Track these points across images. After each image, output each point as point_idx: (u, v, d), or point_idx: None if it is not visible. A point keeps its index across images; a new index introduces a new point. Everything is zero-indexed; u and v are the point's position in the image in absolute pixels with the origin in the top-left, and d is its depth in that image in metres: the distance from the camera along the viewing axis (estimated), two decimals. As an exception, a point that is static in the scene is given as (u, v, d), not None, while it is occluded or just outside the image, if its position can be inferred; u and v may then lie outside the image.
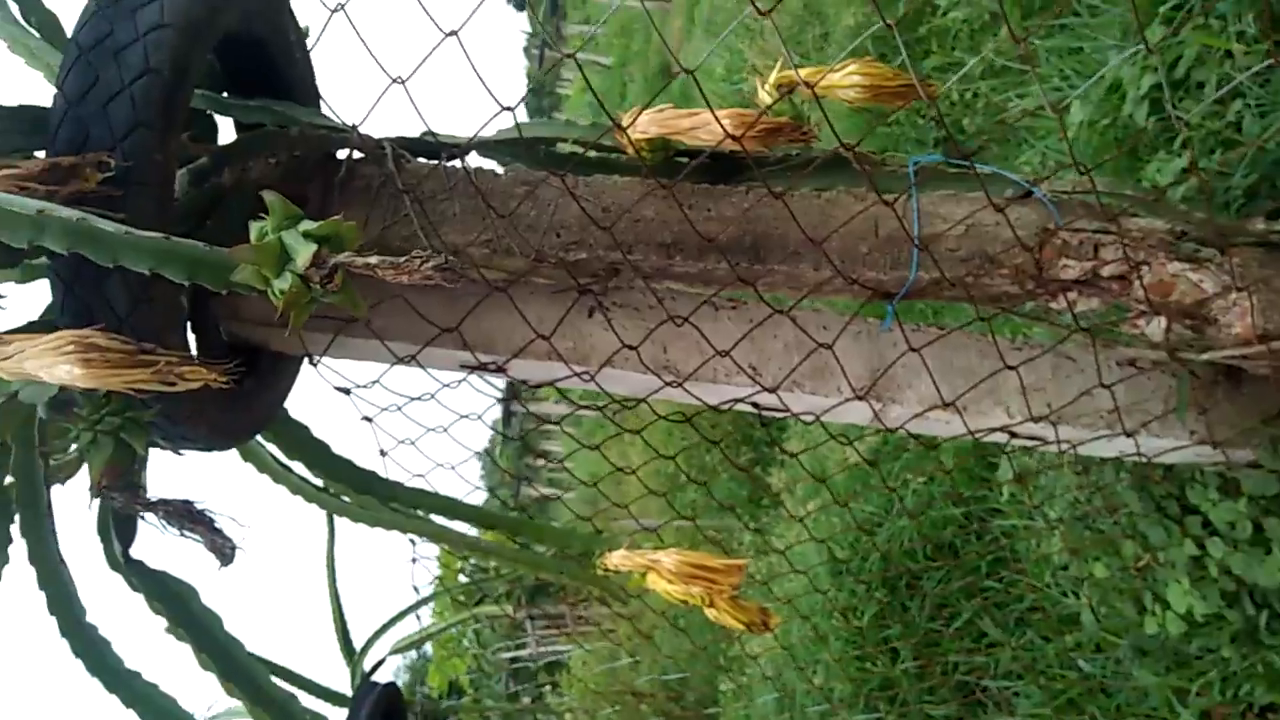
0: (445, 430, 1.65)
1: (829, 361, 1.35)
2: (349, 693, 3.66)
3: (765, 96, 1.25)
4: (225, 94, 1.35)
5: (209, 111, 1.32)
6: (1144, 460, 1.50)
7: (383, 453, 1.87)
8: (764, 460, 5.17)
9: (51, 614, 1.30)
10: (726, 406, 1.42)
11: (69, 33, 1.39)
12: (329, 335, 1.34)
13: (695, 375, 1.35)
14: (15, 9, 1.35)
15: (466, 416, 1.70)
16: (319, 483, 1.73)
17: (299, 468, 1.69)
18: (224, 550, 0.99)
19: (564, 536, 1.92)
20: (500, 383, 1.68)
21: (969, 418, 1.38)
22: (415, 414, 1.71)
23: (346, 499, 1.75)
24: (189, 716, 1.47)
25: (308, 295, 0.72)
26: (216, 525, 1.00)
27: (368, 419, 1.68)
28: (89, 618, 1.34)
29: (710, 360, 1.34)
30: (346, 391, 1.49)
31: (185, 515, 0.98)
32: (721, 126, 1.04)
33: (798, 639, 3.32)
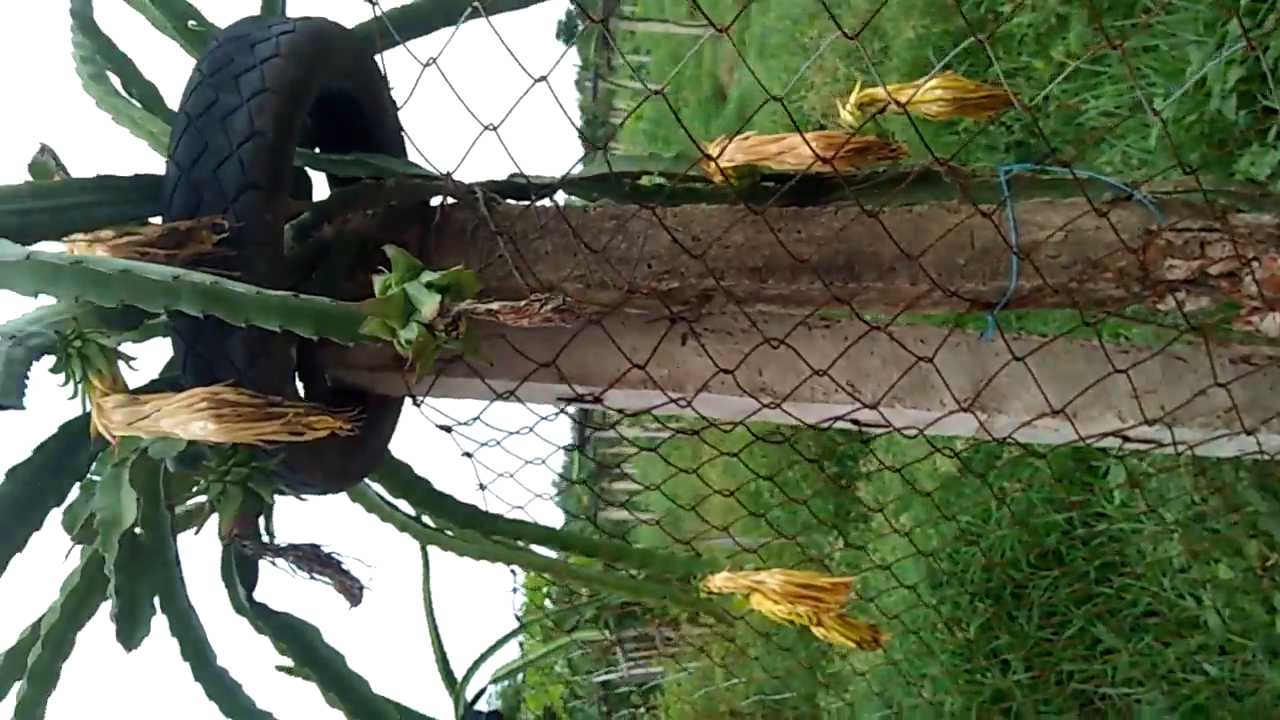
0: (542, 462, 1.67)
1: (929, 375, 1.34)
2: (452, 722, 3.72)
3: (848, 116, 1.25)
4: (317, 150, 1.40)
5: (303, 167, 1.37)
6: (1266, 458, 1.44)
7: (482, 486, 1.90)
8: (849, 475, 5.10)
9: (185, 660, 1.35)
10: (825, 425, 1.41)
11: (168, 101, 1.47)
12: (431, 377, 1.37)
13: (793, 395, 1.34)
14: (116, 81, 1.42)
15: (563, 448, 1.72)
16: (425, 519, 1.77)
17: (403, 505, 1.74)
18: (353, 591, 1.02)
19: (665, 561, 1.92)
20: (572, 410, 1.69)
21: (1079, 424, 1.34)
22: (504, 447, 1.74)
23: (450, 533, 1.79)
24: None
25: (434, 343, 0.75)
26: (344, 567, 1.03)
27: (468, 455, 1.71)
28: (220, 661, 1.38)
29: (807, 380, 1.33)
30: (448, 429, 1.52)
31: (315, 559, 1.01)
32: (812, 149, 1.04)
33: (902, 654, 3.26)
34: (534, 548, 1.91)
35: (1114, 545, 2.65)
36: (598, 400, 1.43)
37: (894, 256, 1.18)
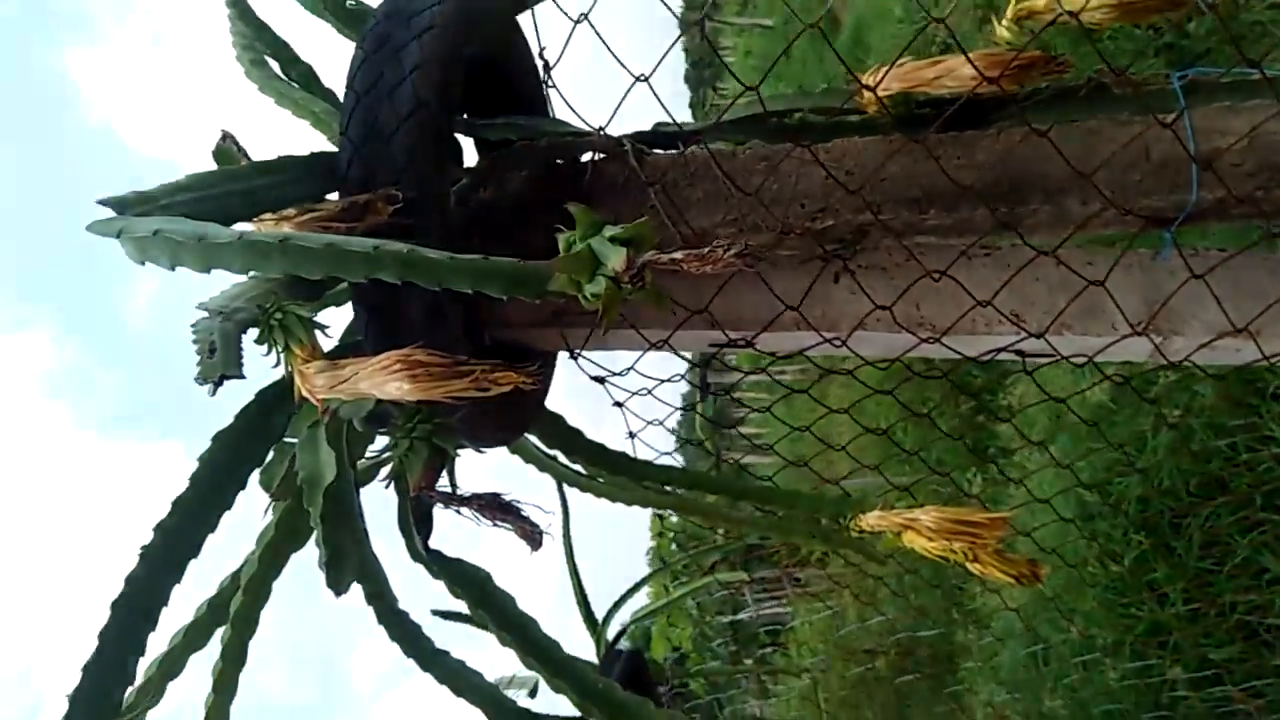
0: (692, 409, 1.69)
1: (1100, 299, 1.29)
2: (595, 661, 3.85)
3: (1005, 33, 1.20)
4: (466, 115, 1.43)
5: (455, 133, 1.41)
6: None
7: (631, 435, 1.94)
8: (986, 410, 4.97)
9: (369, 604, 1.44)
10: (987, 358, 1.38)
11: (324, 81, 1.53)
12: (586, 330, 1.40)
13: (954, 329, 1.31)
14: (275, 65, 1.48)
15: (711, 391, 1.74)
16: (577, 468, 1.82)
17: (559, 456, 1.79)
18: (533, 536, 1.06)
19: (815, 501, 1.92)
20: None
21: (1263, 341, 1.27)
22: (655, 396, 1.77)
23: (602, 480, 1.84)
24: (494, 687, 1.59)
25: (619, 294, 0.76)
26: (524, 514, 1.07)
27: (619, 404, 1.75)
28: (400, 605, 1.47)
29: (969, 311, 1.30)
30: (602, 380, 1.55)
31: (496, 506, 1.06)
32: (977, 69, 1.00)
33: (1050, 590, 3.19)
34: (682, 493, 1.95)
35: (1282, 469, 2.52)
36: (750, 344, 1.43)
37: (1063, 176, 1.14)
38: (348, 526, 1.03)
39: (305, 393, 0.94)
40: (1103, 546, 2.97)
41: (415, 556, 1.52)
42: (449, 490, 1.11)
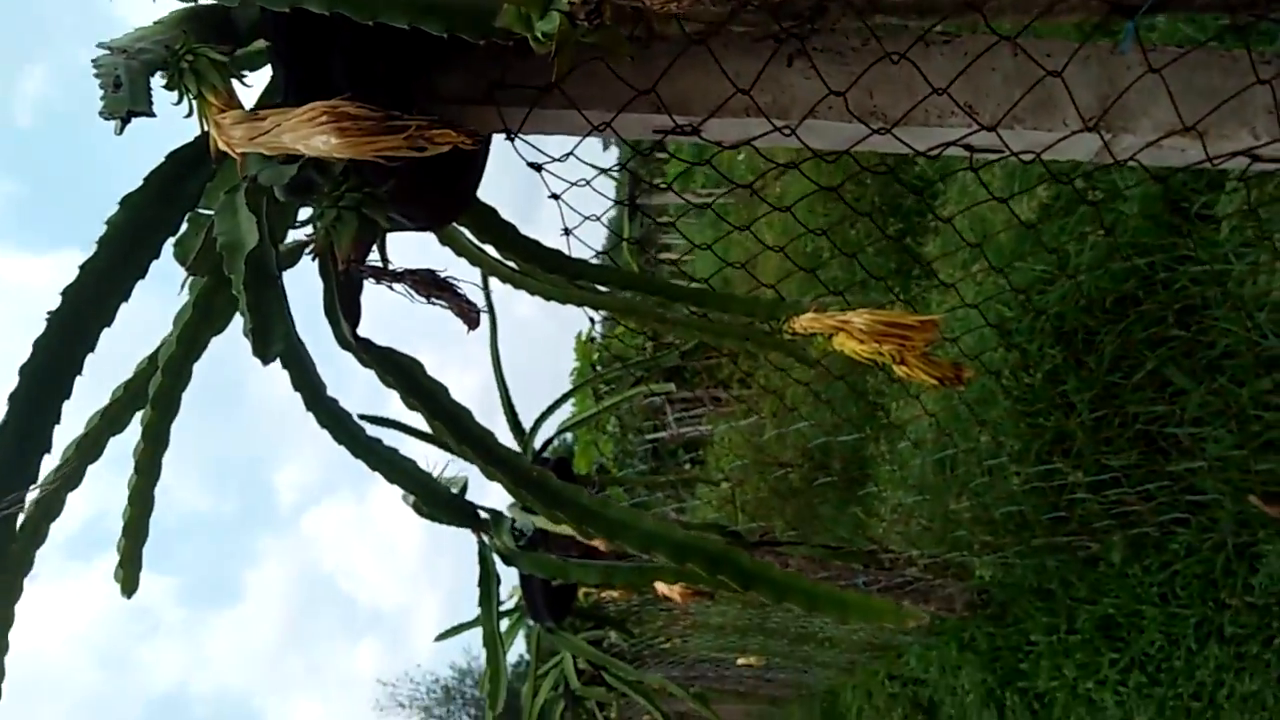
0: (632, 205, 1.64)
1: (1054, 92, 1.26)
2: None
3: None
4: None
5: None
6: (1404, 178, 1.37)
7: (566, 231, 1.88)
8: (914, 230, 5.01)
9: (297, 390, 1.40)
10: (936, 152, 1.35)
11: None
12: (524, 108, 1.32)
13: (906, 119, 1.28)
14: None
15: (638, 207, 1.68)
16: (511, 264, 1.77)
17: (491, 250, 1.73)
18: (470, 314, 1.03)
19: (749, 303, 1.92)
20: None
21: (1210, 142, 1.27)
22: (594, 187, 1.71)
23: (536, 279, 1.79)
24: (428, 475, 1.60)
25: (574, 34, 0.70)
26: (460, 291, 1.03)
27: (555, 196, 1.69)
28: (329, 392, 1.44)
29: (922, 102, 1.26)
30: (539, 168, 1.49)
31: (432, 283, 1.01)
32: None
33: (963, 399, 3.32)
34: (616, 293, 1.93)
35: (1195, 289, 2.61)
36: (696, 131, 1.37)
37: (1035, -49, 1.07)
38: (271, 293, 0.98)
39: (222, 145, 0.86)
40: (1018, 360, 3.08)
41: (343, 344, 1.47)
42: (379, 265, 1.06)
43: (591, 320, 2.17)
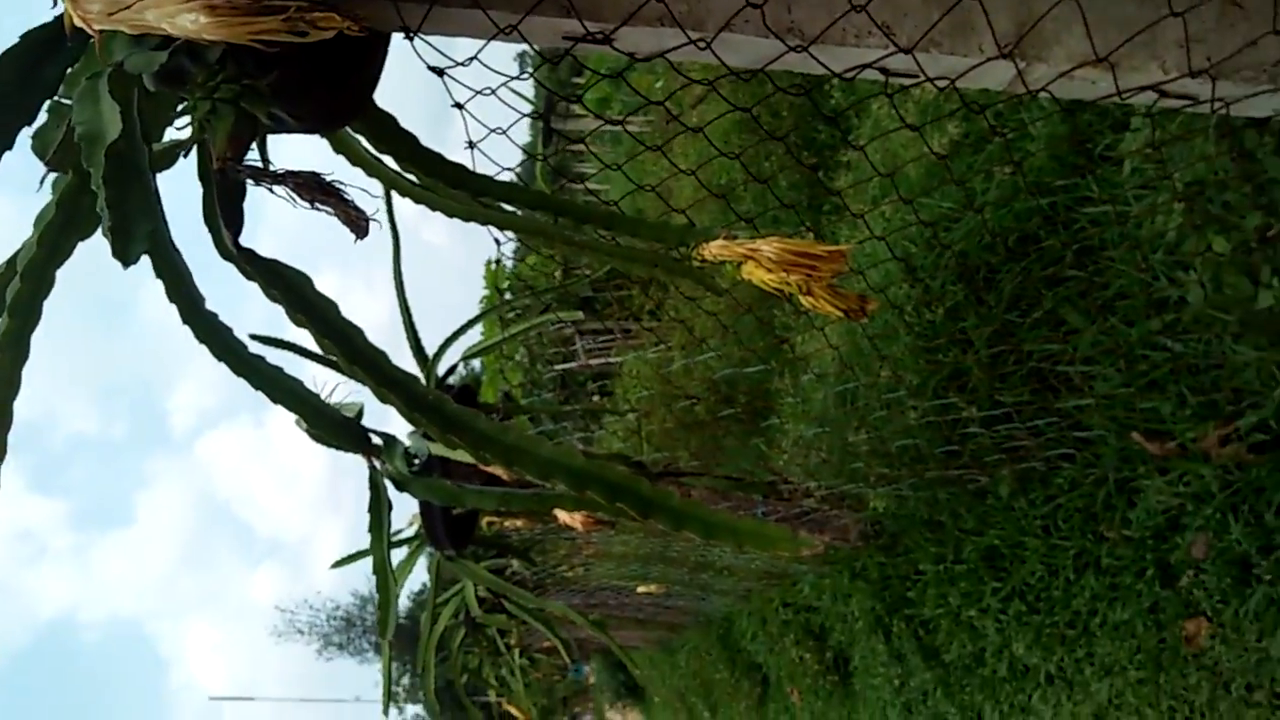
0: (547, 128, 1.57)
1: (972, 16, 1.23)
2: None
3: None
4: None
5: None
6: (1297, 123, 1.40)
7: (471, 144, 1.80)
8: (827, 165, 5.02)
9: (171, 301, 1.31)
10: (852, 74, 1.32)
11: None
12: (425, 6, 1.23)
13: (823, 37, 1.24)
14: None
15: (531, 115, 1.61)
16: (411, 177, 1.69)
17: (389, 162, 1.64)
18: (359, 222, 0.96)
19: (658, 229, 1.88)
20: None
21: (1120, 74, 1.27)
22: (499, 97, 1.64)
23: (438, 194, 1.71)
24: (315, 397, 1.52)
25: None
26: (347, 197, 0.96)
27: (459, 106, 1.60)
28: (208, 305, 1.34)
29: (840, 19, 1.22)
30: (440, 72, 1.40)
31: (316, 187, 0.94)
32: None
33: (866, 333, 3.37)
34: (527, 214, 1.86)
35: (1094, 230, 2.67)
36: (608, 40, 1.31)
37: None
38: (136, 189, 0.89)
39: (78, 20, 0.77)
40: (920, 295, 3.13)
41: (224, 253, 1.38)
42: (259, 165, 0.98)
43: (498, 242, 2.10)
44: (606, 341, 11.13)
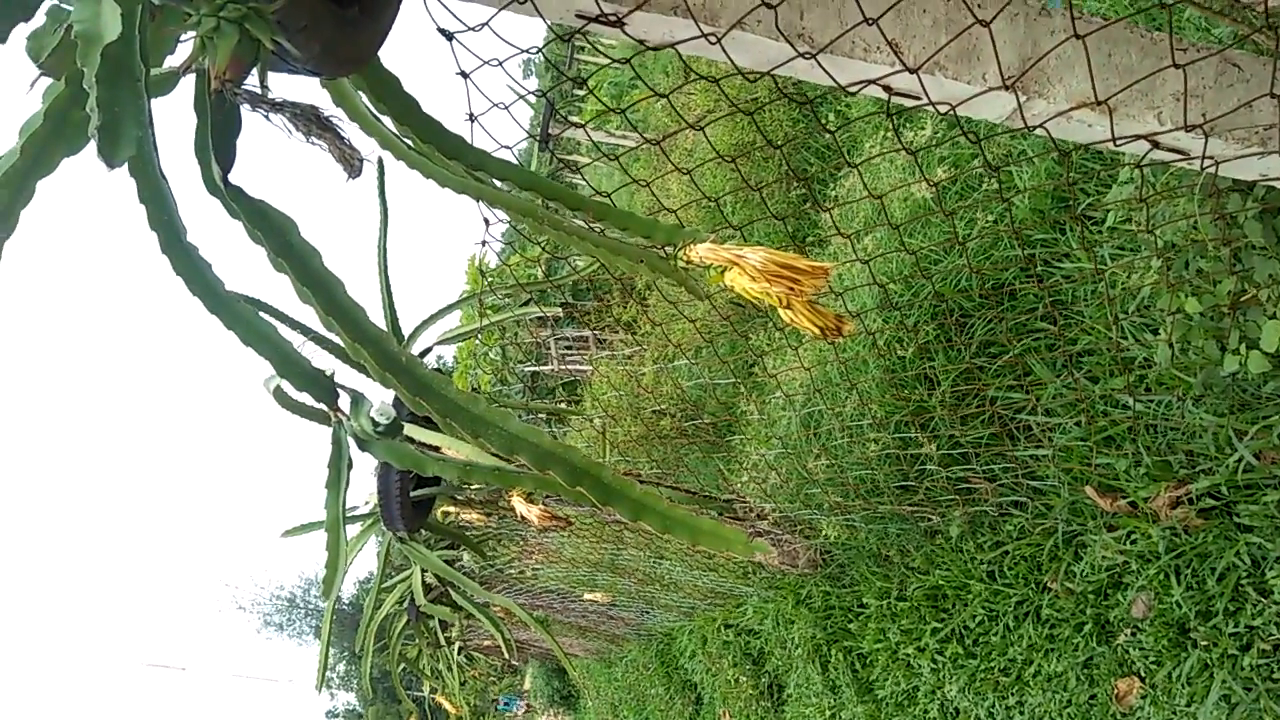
0: (544, 95, 1.57)
1: (979, 44, 1.26)
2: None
3: None
4: None
5: None
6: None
7: (471, 117, 1.80)
8: (815, 198, 5.07)
9: (152, 229, 1.29)
10: (856, 88, 1.33)
11: None
12: (441, -36, 1.23)
13: (832, 47, 1.25)
14: None
15: (536, 93, 1.61)
16: (408, 141, 1.68)
17: (388, 124, 1.64)
18: (352, 160, 0.96)
19: (649, 225, 1.89)
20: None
21: (1117, 120, 1.29)
22: (505, 69, 1.65)
23: (433, 162, 1.71)
24: (288, 344, 1.51)
25: None
26: (343, 134, 0.96)
27: (464, 74, 1.61)
28: (189, 237, 1.33)
29: (851, 30, 1.24)
30: (450, 35, 1.40)
31: (314, 120, 0.94)
32: None
33: (838, 357, 3.39)
34: (517, 193, 1.86)
35: (1067, 286, 2.71)
36: (620, 22, 1.31)
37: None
38: (129, 92, 0.88)
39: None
40: (894, 331, 3.16)
41: (211, 188, 1.37)
42: (258, 91, 0.97)
43: (487, 221, 2.09)
44: (580, 349, 11.13)
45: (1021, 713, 3.15)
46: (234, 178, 1.40)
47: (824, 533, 3.79)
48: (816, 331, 1.88)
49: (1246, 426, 1.95)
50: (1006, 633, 3.18)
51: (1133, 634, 2.60)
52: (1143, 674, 2.60)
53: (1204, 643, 2.33)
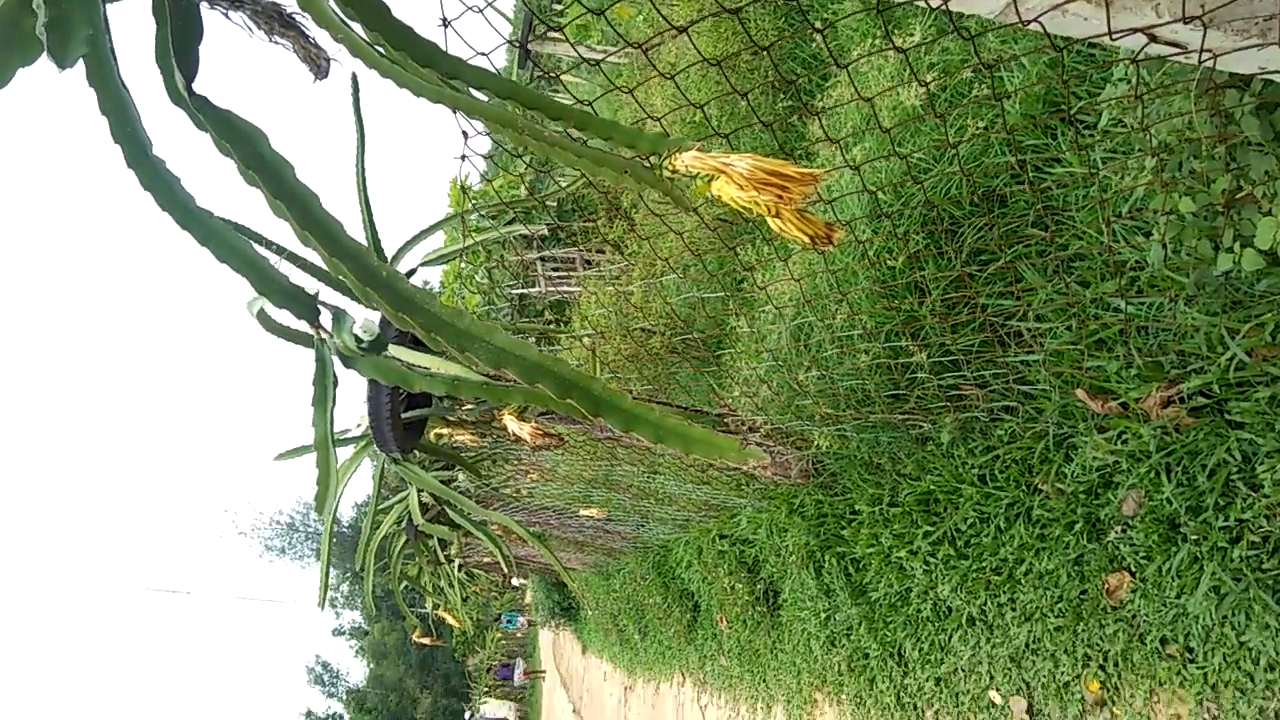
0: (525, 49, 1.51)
1: (972, -70, 1.21)
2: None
3: None
4: None
5: None
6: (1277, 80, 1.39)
7: (445, 22, 1.75)
8: (803, 101, 4.96)
9: (116, 143, 1.25)
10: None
11: None
12: None
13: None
14: None
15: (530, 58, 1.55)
16: (379, 49, 1.63)
17: (358, 30, 1.58)
18: (318, 61, 0.92)
19: (632, 134, 1.84)
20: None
21: (1114, 13, 1.25)
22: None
23: (406, 69, 1.66)
24: (264, 260, 1.48)
25: None
26: (307, 33, 0.91)
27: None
28: (156, 151, 1.29)
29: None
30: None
31: (275, 17, 0.89)
32: None
33: (827, 266, 3.37)
34: (497, 102, 1.81)
35: (1059, 191, 2.68)
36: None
37: None
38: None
39: None
40: (883, 241, 3.13)
41: (175, 98, 1.32)
42: (220, -6, 0.92)
43: (465, 134, 2.04)
44: (567, 273, 11.07)
45: (1013, 609, 3.23)
46: (199, 89, 1.35)
47: (816, 443, 3.82)
48: (806, 240, 1.85)
49: (1239, 325, 1.95)
50: (998, 534, 3.23)
51: (1123, 531, 2.64)
52: (1133, 569, 2.66)
53: (1194, 537, 2.37)
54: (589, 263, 10.28)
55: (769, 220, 1.82)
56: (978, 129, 3.01)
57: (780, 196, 1.77)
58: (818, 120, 4.13)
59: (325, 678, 47.64)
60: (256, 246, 1.38)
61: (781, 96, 5.31)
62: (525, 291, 11.94)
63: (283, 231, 1.41)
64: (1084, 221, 2.56)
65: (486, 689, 26.38)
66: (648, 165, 1.93)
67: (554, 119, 1.86)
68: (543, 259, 11.29)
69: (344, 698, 46.10)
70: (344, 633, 47.10)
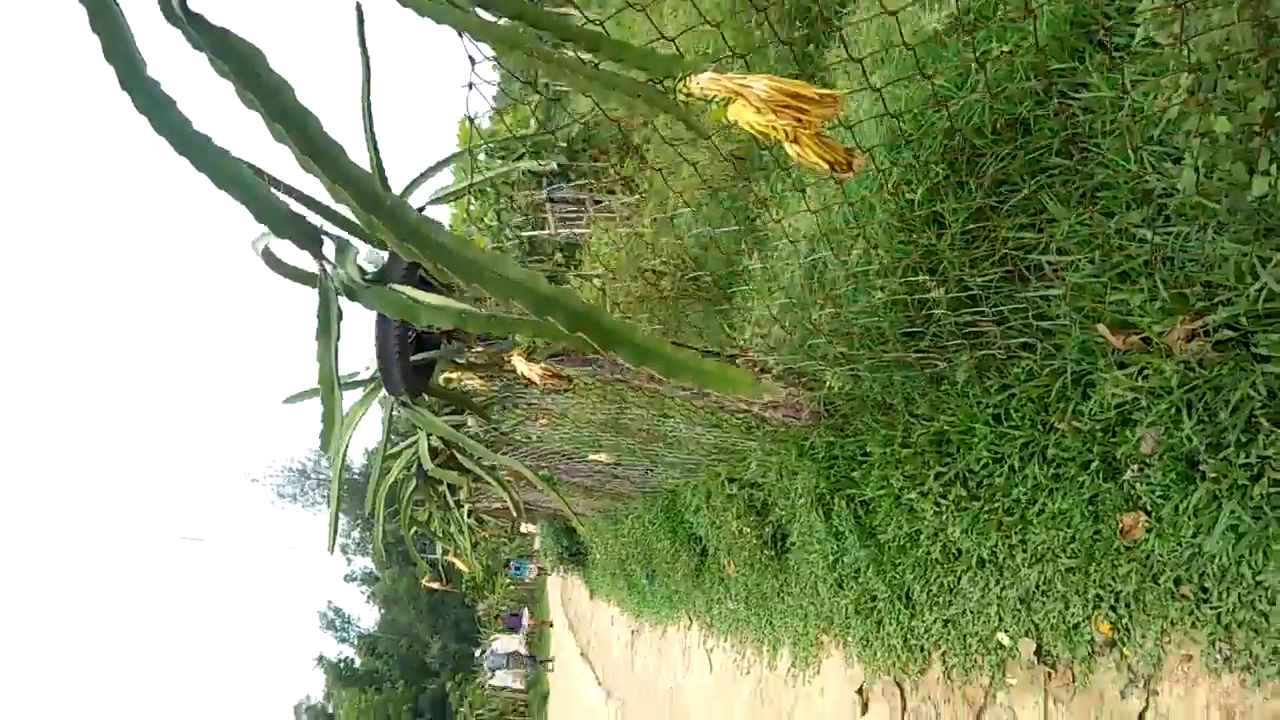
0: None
1: None
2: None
3: None
4: None
5: None
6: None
7: (449, -62, 1.67)
8: (818, 39, 4.83)
9: (109, 62, 1.19)
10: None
11: None
12: None
13: None
14: None
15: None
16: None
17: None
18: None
19: (646, 56, 1.77)
20: None
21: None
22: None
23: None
24: (263, 186, 1.42)
25: None
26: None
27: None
28: (150, 71, 1.23)
29: None
30: None
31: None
32: None
33: (839, 211, 3.29)
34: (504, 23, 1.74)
35: (1084, 118, 2.59)
36: None
37: None
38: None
39: None
40: (902, 173, 3.05)
41: (169, 16, 1.26)
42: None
43: (472, 60, 1.97)
44: (577, 214, 10.98)
45: (1024, 551, 3.21)
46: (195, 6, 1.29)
47: (828, 384, 3.77)
48: (825, 167, 1.78)
49: (1271, 253, 1.88)
50: (1011, 474, 3.20)
51: (1140, 470, 2.60)
52: (1149, 508, 2.62)
53: (1213, 475, 2.33)
54: (599, 203, 10.17)
55: (787, 146, 1.75)
56: (1002, 51, 2.91)
57: (799, 120, 1.69)
58: (838, 37, 4.02)
59: (337, 623, 48.58)
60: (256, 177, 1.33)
61: (798, 24, 5.18)
62: (535, 233, 11.84)
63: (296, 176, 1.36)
64: (1110, 148, 2.48)
65: (497, 634, 27.10)
66: (661, 89, 1.86)
67: (564, 40, 1.79)
68: (552, 200, 11.18)
69: (355, 643, 47.04)
70: (356, 579, 47.85)
